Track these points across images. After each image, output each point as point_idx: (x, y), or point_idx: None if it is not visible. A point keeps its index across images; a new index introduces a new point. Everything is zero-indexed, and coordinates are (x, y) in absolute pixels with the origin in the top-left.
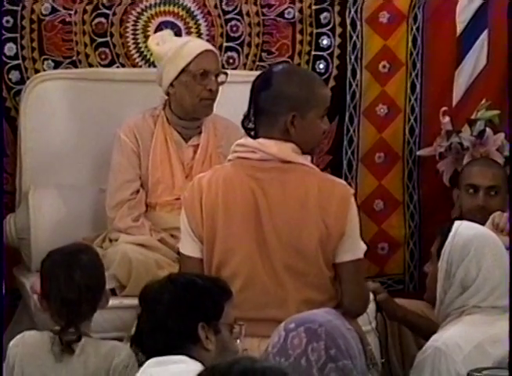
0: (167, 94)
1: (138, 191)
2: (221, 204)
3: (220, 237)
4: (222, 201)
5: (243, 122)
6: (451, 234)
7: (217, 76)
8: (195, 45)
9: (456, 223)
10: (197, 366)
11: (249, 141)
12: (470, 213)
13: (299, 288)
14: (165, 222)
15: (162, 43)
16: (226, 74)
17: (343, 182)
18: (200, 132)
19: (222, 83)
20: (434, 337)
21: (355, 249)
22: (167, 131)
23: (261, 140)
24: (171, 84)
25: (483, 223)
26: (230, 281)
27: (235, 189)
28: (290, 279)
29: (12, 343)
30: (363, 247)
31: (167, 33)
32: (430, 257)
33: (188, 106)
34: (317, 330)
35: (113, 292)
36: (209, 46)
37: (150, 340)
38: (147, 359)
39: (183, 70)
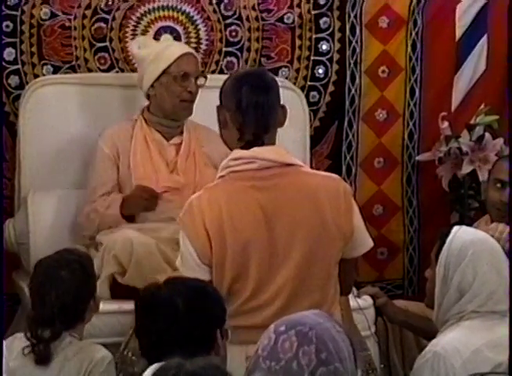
0: (148, 96)
1: (109, 193)
2: (227, 221)
3: (231, 254)
4: (228, 218)
5: (241, 134)
6: (449, 239)
7: (196, 79)
8: (176, 48)
9: (455, 228)
10: None
11: (244, 152)
12: (494, 207)
13: (308, 293)
14: (153, 213)
15: (143, 47)
16: (205, 77)
17: (337, 176)
18: (182, 132)
19: (201, 86)
20: (433, 342)
21: (364, 242)
22: (146, 131)
23: (256, 149)
24: (152, 86)
25: (504, 219)
26: (242, 292)
27: (239, 203)
28: (300, 284)
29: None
30: (370, 240)
31: (148, 38)
32: (430, 262)
33: (168, 107)
34: (308, 333)
35: (115, 282)
36: (189, 49)
37: (165, 347)
38: (149, 364)
39: (164, 72)
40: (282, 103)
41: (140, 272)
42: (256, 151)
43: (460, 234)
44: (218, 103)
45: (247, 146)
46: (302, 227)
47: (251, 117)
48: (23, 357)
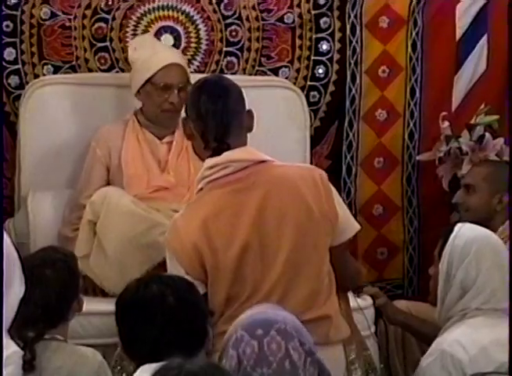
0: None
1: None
2: (215, 233)
3: (224, 263)
4: (215, 229)
5: (205, 141)
6: (452, 236)
7: (182, 89)
8: (161, 58)
9: (458, 225)
10: None
11: (216, 159)
12: (457, 208)
13: (303, 283)
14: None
15: (138, 49)
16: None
17: (311, 165)
18: (174, 131)
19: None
20: (438, 340)
21: (349, 226)
22: (138, 131)
23: (227, 153)
24: (138, 92)
25: (467, 219)
26: (240, 295)
27: (223, 212)
28: (294, 276)
29: None
30: (355, 223)
31: (149, 37)
32: (432, 260)
33: (151, 114)
34: (286, 328)
35: None
36: (176, 59)
37: (163, 347)
38: (139, 365)
39: (148, 81)
40: (248, 107)
41: (112, 222)
42: (227, 155)
43: (463, 231)
44: None
45: (215, 153)
46: (289, 218)
47: (211, 123)
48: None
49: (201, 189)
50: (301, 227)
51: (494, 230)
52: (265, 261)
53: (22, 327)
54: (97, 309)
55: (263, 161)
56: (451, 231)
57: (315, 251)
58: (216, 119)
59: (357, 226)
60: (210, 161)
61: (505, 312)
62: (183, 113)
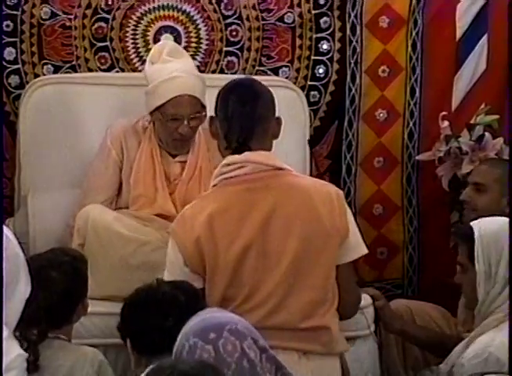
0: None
1: (111, 203)
2: (219, 230)
3: (224, 261)
4: (220, 226)
5: (228, 142)
6: (476, 237)
7: (193, 119)
8: (173, 86)
9: (474, 225)
10: None
11: (235, 157)
12: (463, 206)
13: (305, 291)
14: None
15: (154, 64)
16: (201, 116)
17: (328, 182)
18: (188, 151)
19: (199, 123)
20: (484, 340)
21: (357, 246)
22: (154, 145)
23: (248, 153)
24: (150, 113)
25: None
26: (235, 297)
27: (232, 209)
28: (295, 282)
29: None
30: (364, 246)
31: (167, 50)
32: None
33: (163, 139)
34: (238, 328)
35: None
36: (188, 90)
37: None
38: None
39: (157, 108)
40: (277, 114)
41: (98, 242)
42: (247, 155)
43: (484, 228)
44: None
45: (235, 153)
46: (296, 227)
47: (236, 125)
48: None
49: (215, 185)
50: (308, 237)
51: None
52: (266, 266)
53: (25, 327)
54: (98, 310)
55: (281, 169)
56: (467, 234)
57: (321, 263)
58: (241, 122)
59: (365, 250)
60: (229, 158)
61: None
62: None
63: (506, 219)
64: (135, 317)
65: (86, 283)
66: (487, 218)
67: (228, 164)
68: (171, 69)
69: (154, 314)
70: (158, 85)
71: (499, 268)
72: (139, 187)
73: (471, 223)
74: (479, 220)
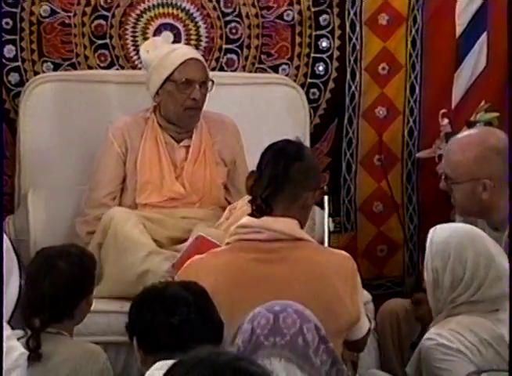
0: (155, 101)
1: (114, 198)
2: (220, 295)
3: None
4: (223, 291)
5: (253, 196)
6: (427, 244)
7: (202, 84)
8: (179, 54)
9: (431, 231)
10: None
11: (253, 220)
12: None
13: None
14: (156, 219)
15: (152, 50)
16: (213, 81)
17: (346, 254)
18: (192, 135)
19: (209, 90)
20: (427, 335)
21: (362, 326)
22: (157, 132)
23: (267, 218)
24: (157, 93)
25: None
26: None
27: (238, 277)
28: None
29: None
30: (367, 322)
31: (160, 40)
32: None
33: (172, 115)
34: (304, 312)
35: None
36: (194, 54)
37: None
38: (153, 358)
39: (167, 79)
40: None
41: (112, 247)
42: (265, 221)
43: (436, 235)
44: (217, 100)
45: (256, 211)
46: (309, 303)
47: (264, 179)
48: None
49: (229, 243)
50: (320, 312)
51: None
52: None
53: (29, 314)
54: (99, 308)
55: (300, 239)
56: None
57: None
58: (269, 179)
59: (367, 327)
60: (246, 221)
61: (492, 302)
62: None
63: (462, 225)
64: (141, 315)
65: (93, 280)
66: (444, 225)
67: (244, 227)
68: (171, 47)
69: (160, 312)
70: (163, 58)
71: (445, 276)
72: (146, 174)
73: (431, 229)
74: (436, 227)
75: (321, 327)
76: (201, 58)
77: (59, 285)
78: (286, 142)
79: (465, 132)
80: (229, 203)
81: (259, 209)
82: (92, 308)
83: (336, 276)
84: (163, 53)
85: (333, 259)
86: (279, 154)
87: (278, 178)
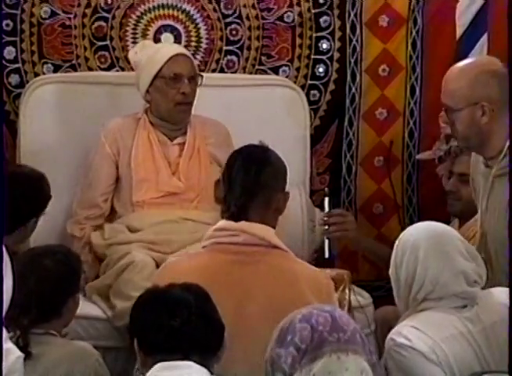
0: (146, 101)
1: (106, 199)
2: None
3: None
4: None
5: (227, 205)
6: (395, 246)
7: (191, 79)
8: (166, 50)
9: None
10: (203, 373)
11: (231, 223)
12: (447, 197)
13: None
14: (153, 218)
15: (140, 50)
16: (201, 76)
17: (322, 270)
18: (185, 132)
19: (199, 85)
20: (389, 335)
21: None
22: (149, 130)
23: (244, 223)
24: (147, 91)
25: (456, 209)
26: None
27: (215, 279)
28: None
29: None
30: None
31: (147, 42)
32: None
33: (164, 111)
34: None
35: None
36: (181, 50)
37: (180, 339)
38: (153, 358)
39: (156, 76)
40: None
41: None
42: (243, 224)
43: (405, 232)
44: (218, 102)
45: (232, 217)
46: (278, 306)
47: (236, 187)
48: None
49: (205, 246)
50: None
51: None
52: (235, 348)
53: (17, 313)
54: (100, 315)
55: (276, 247)
56: None
57: None
58: (242, 186)
59: None
60: (222, 223)
61: (453, 301)
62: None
63: (428, 223)
64: (142, 316)
65: (79, 278)
66: (416, 224)
67: (221, 230)
68: (160, 46)
69: (162, 314)
70: (152, 55)
71: (401, 272)
72: (140, 172)
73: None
74: (409, 227)
75: (359, 330)
76: (188, 54)
77: (45, 282)
78: (251, 148)
79: (461, 62)
80: None
81: (235, 216)
82: (94, 314)
83: (307, 286)
84: (150, 52)
85: (308, 271)
86: (248, 161)
87: (251, 186)
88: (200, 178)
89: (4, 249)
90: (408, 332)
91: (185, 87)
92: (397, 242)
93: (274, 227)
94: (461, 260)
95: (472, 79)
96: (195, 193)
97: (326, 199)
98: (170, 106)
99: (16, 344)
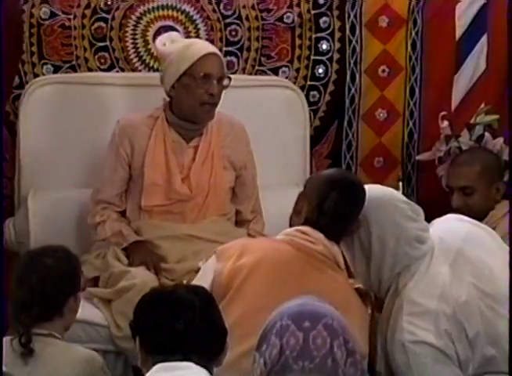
0: (169, 96)
1: (121, 197)
2: (264, 269)
3: (248, 300)
4: (265, 269)
5: (324, 221)
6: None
7: (219, 80)
8: (198, 48)
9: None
10: (203, 373)
11: (314, 232)
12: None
13: None
14: (157, 232)
15: (169, 44)
16: (230, 78)
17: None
18: (202, 133)
19: (225, 87)
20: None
21: None
22: (166, 131)
23: (323, 236)
24: (173, 86)
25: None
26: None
27: (285, 263)
28: None
29: None
30: None
31: (175, 34)
32: None
33: (187, 109)
34: (333, 324)
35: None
36: (213, 49)
37: (183, 340)
38: (154, 358)
39: (185, 73)
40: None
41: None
42: (323, 238)
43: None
44: (220, 102)
45: (312, 224)
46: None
47: (324, 219)
48: (10, 357)
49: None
50: None
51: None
52: None
53: (19, 310)
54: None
55: (338, 266)
56: None
57: None
58: (330, 219)
59: None
60: (308, 229)
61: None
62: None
63: (375, 193)
64: (146, 315)
65: (79, 278)
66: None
67: (304, 233)
68: (190, 40)
69: (165, 314)
70: (183, 50)
71: (354, 244)
72: (152, 175)
73: None
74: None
75: (349, 339)
76: (220, 53)
77: (47, 280)
78: (350, 179)
79: None
80: (236, 210)
81: (316, 225)
82: (95, 321)
83: (357, 307)
84: (181, 46)
85: (356, 296)
86: (345, 194)
87: (338, 223)
88: (210, 183)
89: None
90: (423, 322)
91: (214, 88)
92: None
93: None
94: (410, 225)
95: None
96: (202, 197)
97: None
98: (195, 105)
99: (19, 342)
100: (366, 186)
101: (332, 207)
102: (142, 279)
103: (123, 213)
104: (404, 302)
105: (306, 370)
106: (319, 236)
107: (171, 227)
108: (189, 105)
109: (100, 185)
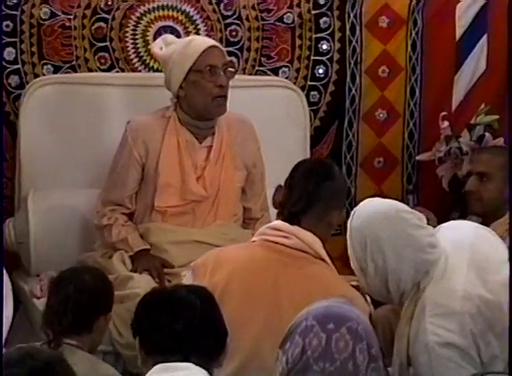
0: (177, 97)
1: (131, 199)
2: (238, 282)
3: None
4: (241, 279)
5: (290, 206)
6: (348, 230)
7: (225, 70)
8: (198, 43)
9: (350, 218)
10: (202, 374)
11: (287, 225)
12: (467, 197)
13: None
14: (167, 237)
15: (165, 47)
16: (234, 66)
17: (359, 294)
18: (214, 133)
19: (233, 75)
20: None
21: None
22: (179, 132)
23: (298, 228)
24: (181, 87)
25: (478, 209)
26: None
27: (258, 270)
28: None
29: None
30: None
31: (169, 36)
32: None
33: (200, 106)
34: (357, 329)
35: None
36: (212, 42)
37: (183, 341)
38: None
39: (190, 70)
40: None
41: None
42: (297, 229)
43: (355, 222)
44: None
45: (286, 220)
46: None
47: (295, 194)
48: None
49: (254, 241)
50: None
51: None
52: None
53: (52, 318)
54: None
55: (322, 259)
56: None
57: None
58: (301, 194)
59: None
60: (278, 223)
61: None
62: None
63: (374, 211)
64: (146, 315)
65: (112, 298)
66: (362, 210)
67: (275, 229)
68: (187, 38)
69: (165, 315)
70: (183, 49)
71: (368, 265)
72: (166, 176)
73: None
74: (355, 212)
75: (373, 344)
76: (219, 45)
77: (83, 292)
78: (316, 161)
79: None
80: (244, 208)
81: (289, 220)
82: None
83: (345, 292)
84: (181, 45)
85: (349, 289)
86: (310, 172)
87: (308, 196)
88: (220, 183)
89: (5, 276)
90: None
91: (222, 79)
92: (350, 231)
93: (324, 240)
94: (420, 232)
95: None
96: (214, 198)
97: None
98: (207, 100)
99: (48, 347)
100: (367, 201)
101: (299, 183)
102: (144, 289)
103: (130, 215)
104: (426, 304)
105: (326, 372)
106: (292, 228)
107: (180, 232)
108: (201, 101)
109: (110, 185)
